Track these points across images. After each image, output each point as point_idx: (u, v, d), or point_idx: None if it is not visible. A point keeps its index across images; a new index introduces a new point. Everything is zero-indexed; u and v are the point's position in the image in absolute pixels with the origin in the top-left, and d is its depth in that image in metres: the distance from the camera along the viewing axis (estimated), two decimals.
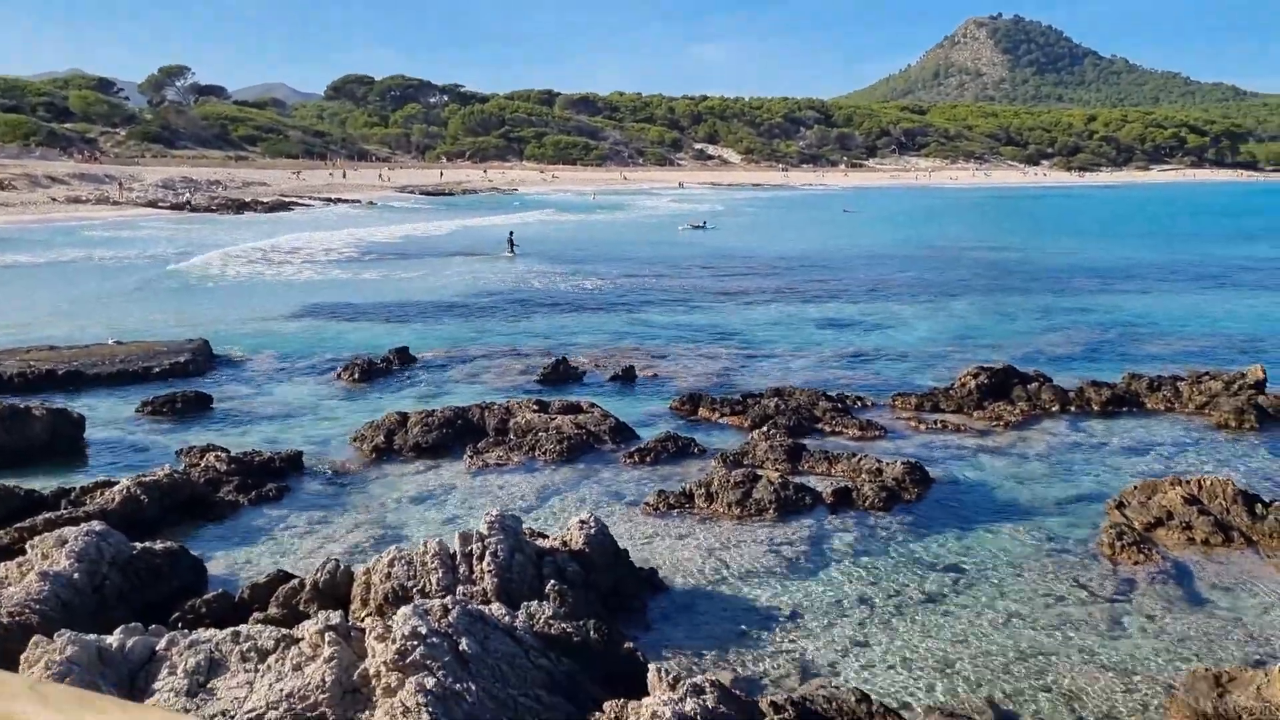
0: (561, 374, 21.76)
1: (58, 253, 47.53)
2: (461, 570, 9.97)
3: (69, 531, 10.16)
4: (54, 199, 77.97)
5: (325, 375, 22.48)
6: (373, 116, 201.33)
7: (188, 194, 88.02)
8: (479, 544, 10.08)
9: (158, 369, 21.51)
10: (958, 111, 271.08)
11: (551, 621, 8.92)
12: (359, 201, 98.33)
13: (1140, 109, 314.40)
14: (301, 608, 9.97)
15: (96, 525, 10.28)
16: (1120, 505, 13.50)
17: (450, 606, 8.14)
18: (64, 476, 15.19)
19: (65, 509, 12.93)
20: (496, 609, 8.68)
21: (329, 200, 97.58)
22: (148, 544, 10.83)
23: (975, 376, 19.77)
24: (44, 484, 14.30)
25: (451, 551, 10.11)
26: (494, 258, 48.19)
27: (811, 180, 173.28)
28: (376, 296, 35.03)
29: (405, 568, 9.92)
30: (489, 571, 9.89)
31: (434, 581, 9.81)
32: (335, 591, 10.10)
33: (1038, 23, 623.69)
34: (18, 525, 11.98)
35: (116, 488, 12.92)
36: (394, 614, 9.48)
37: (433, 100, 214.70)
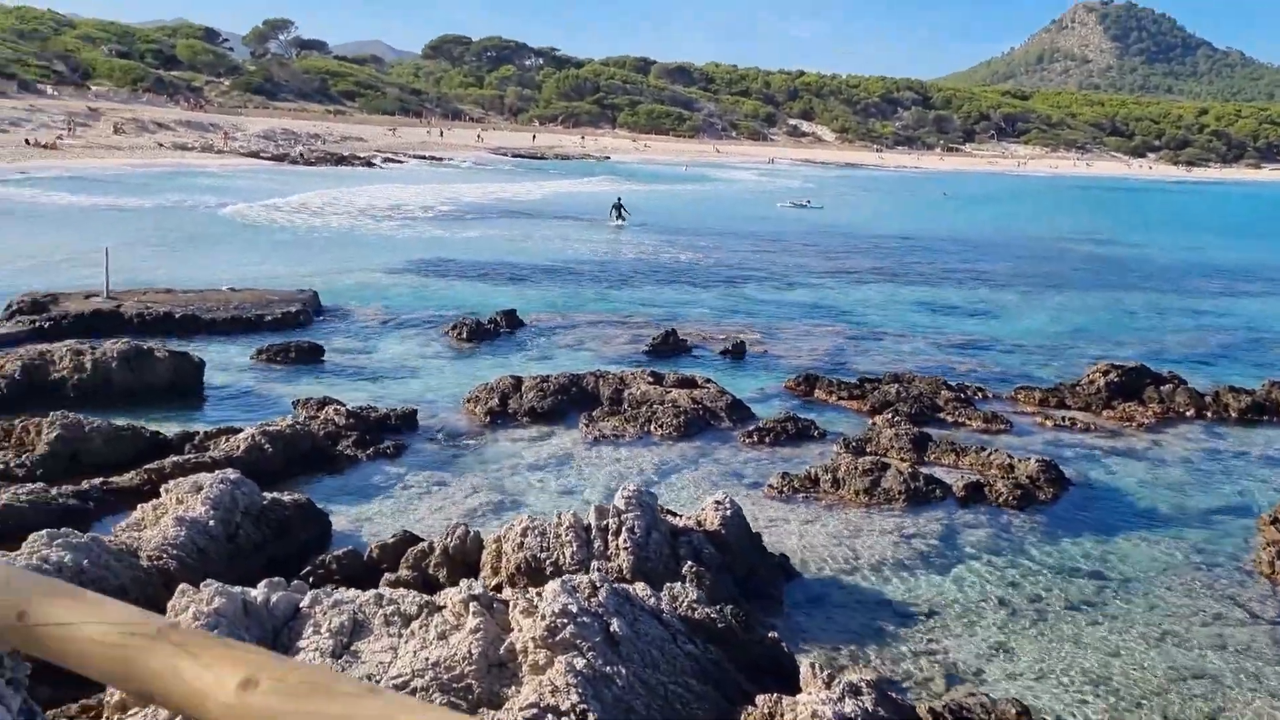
0: (671, 346, 21.38)
1: (165, 197, 48.38)
2: (596, 545, 9.67)
3: (204, 478, 10.08)
4: (160, 144, 79.64)
5: (432, 332, 22.42)
6: (468, 77, 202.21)
7: (298, 146, 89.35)
8: (615, 519, 9.76)
9: (270, 318, 21.61)
10: (1061, 98, 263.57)
11: (695, 605, 8.57)
12: (454, 160, 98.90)
13: (1255, 104, 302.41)
14: (431, 571, 9.77)
15: (231, 473, 10.19)
16: (1275, 520, 12.71)
17: (599, 584, 7.82)
18: (185, 419, 15.27)
19: (190, 453, 12.94)
20: (641, 589, 8.35)
21: (425, 158, 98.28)
22: (277, 495, 10.72)
23: (1105, 374, 18.92)
24: (166, 426, 14.35)
25: (586, 524, 9.80)
26: (596, 224, 47.84)
27: (906, 162, 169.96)
28: (478, 256, 34.97)
29: (538, 538, 9.65)
30: (625, 548, 9.57)
31: (568, 555, 9.52)
32: (465, 557, 9.87)
33: (1150, 10, 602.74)
34: (146, 467, 12.00)
35: (241, 436, 12.87)
36: (527, 584, 9.23)
37: (528, 63, 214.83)
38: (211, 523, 9.52)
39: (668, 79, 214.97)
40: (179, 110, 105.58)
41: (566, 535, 9.63)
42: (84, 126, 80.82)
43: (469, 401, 16.50)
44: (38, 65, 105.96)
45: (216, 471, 10.27)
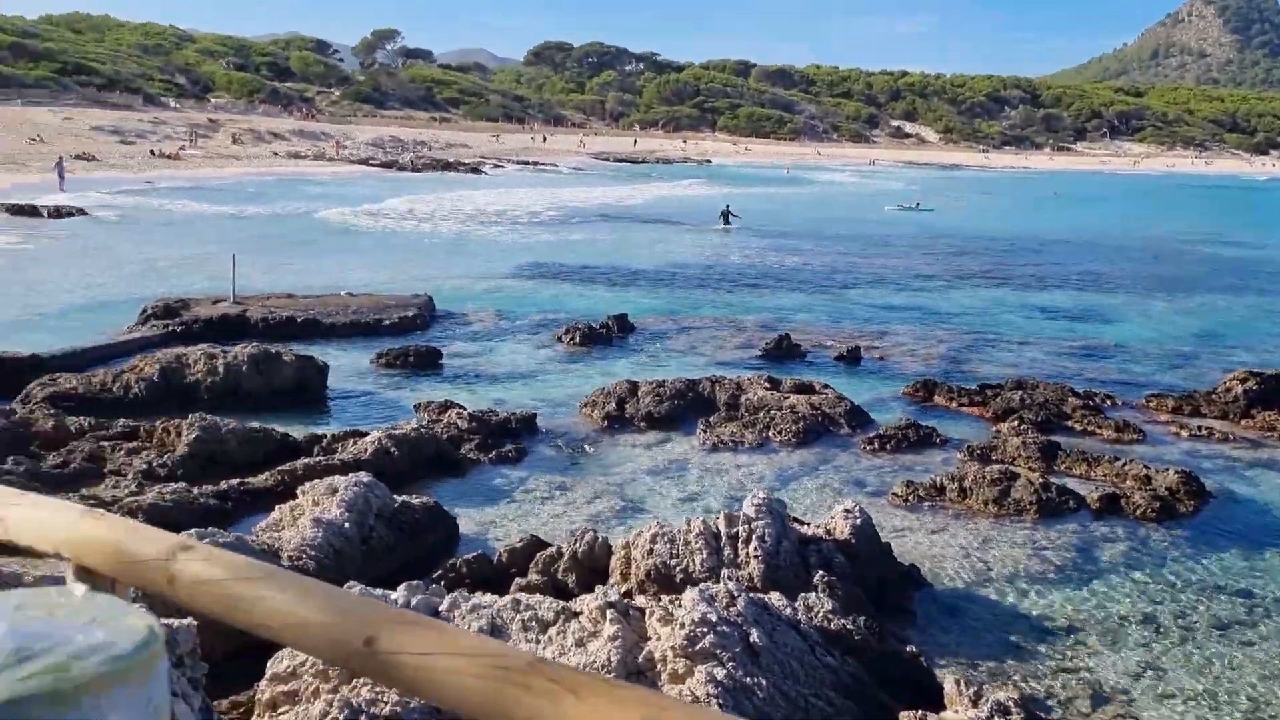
0: (785, 350, 21.18)
1: (281, 204, 49.82)
2: (726, 553, 9.57)
3: (339, 480, 10.27)
4: (275, 153, 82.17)
5: (545, 336, 22.59)
6: (569, 83, 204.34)
7: (406, 153, 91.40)
8: (745, 526, 9.65)
9: (388, 322, 22.03)
10: (1178, 94, 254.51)
11: (830, 616, 8.41)
12: (557, 165, 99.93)
13: None
14: (560, 576, 9.78)
15: (364, 476, 10.36)
16: None
17: (736, 594, 7.72)
18: (310, 422, 15.64)
19: (319, 455, 13.23)
20: (777, 599, 8.23)
21: (528, 164, 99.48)
22: (406, 498, 10.87)
23: (1243, 381, 18.12)
24: (294, 428, 14.68)
25: (715, 531, 9.71)
26: (700, 227, 47.77)
27: (1014, 163, 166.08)
28: (585, 260, 35.18)
29: (668, 545, 9.59)
30: (756, 556, 9.45)
31: (698, 562, 9.44)
32: (594, 563, 9.87)
33: (1274, 0, 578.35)
34: (280, 469, 12.29)
35: (369, 439, 13.11)
36: (658, 591, 9.20)
37: (629, 68, 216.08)
38: (347, 525, 9.69)
39: (768, 82, 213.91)
40: (292, 120, 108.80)
41: (696, 542, 9.55)
42: (204, 137, 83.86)
43: (586, 406, 16.55)
44: (161, 79, 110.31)
45: (350, 474, 10.46)
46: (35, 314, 22.73)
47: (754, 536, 9.58)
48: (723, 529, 9.70)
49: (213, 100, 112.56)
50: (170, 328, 20.21)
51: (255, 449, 13.19)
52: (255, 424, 13.75)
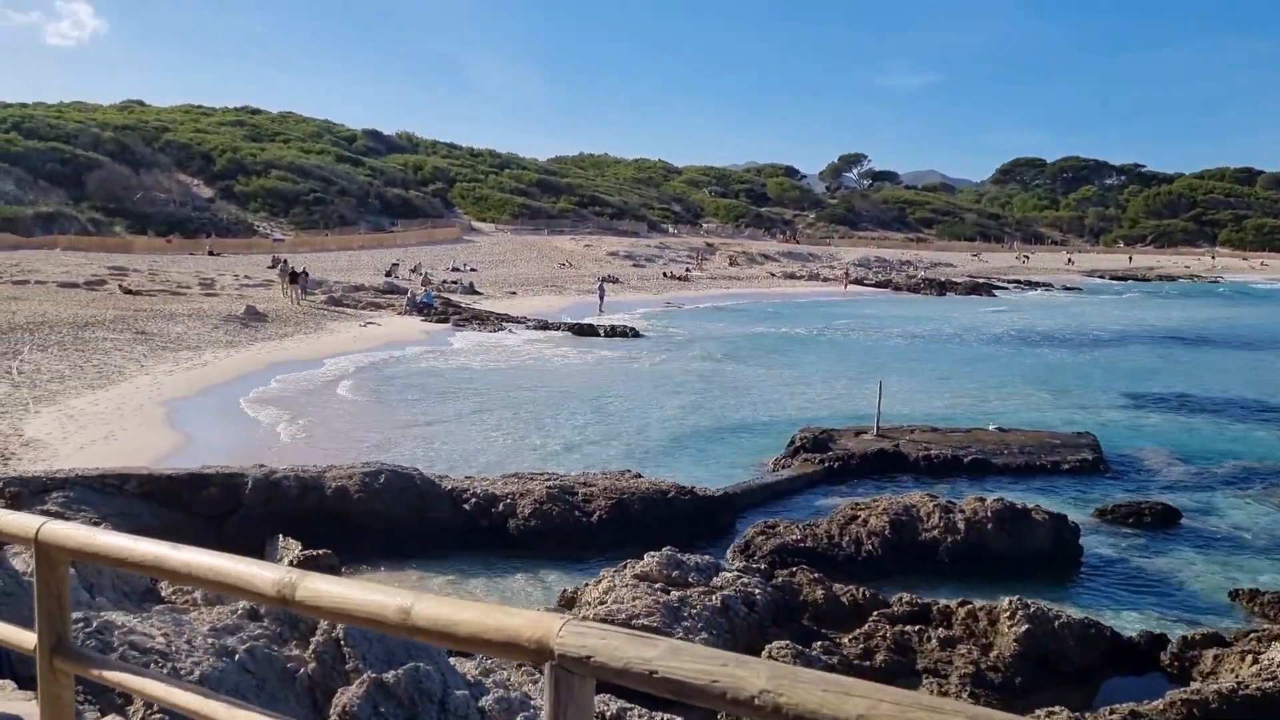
0: None
1: (812, 325, 48.28)
2: None
3: None
4: (771, 274, 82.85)
5: (1256, 489, 17.75)
6: (1041, 199, 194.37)
7: (893, 273, 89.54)
8: None
9: (1066, 465, 18.22)
10: None
11: None
12: (1050, 285, 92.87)
13: None
14: None
15: None
16: None
17: None
18: (1086, 605, 12.07)
19: (1170, 664, 9.51)
20: None
21: (1021, 283, 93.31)
22: None
23: None
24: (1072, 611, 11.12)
25: None
26: None
27: None
28: (1205, 388, 29.47)
29: None
30: None
31: None
32: None
33: None
34: (1178, 696, 8.62)
35: (1271, 660, 9.16)
36: None
37: (1109, 181, 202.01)
38: None
39: (1277, 189, 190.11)
40: (776, 243, 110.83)
41: None
42: (705, 259, 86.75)
43: None
44: (659, 208, 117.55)
45: None
46: (654, 437, 21.48)
47: None
48: None
49: (704, 225, 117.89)
50: (825, 463, 17.75)
51: (1090, 650, 9.76)
52: (1080, 614, 10.33)
